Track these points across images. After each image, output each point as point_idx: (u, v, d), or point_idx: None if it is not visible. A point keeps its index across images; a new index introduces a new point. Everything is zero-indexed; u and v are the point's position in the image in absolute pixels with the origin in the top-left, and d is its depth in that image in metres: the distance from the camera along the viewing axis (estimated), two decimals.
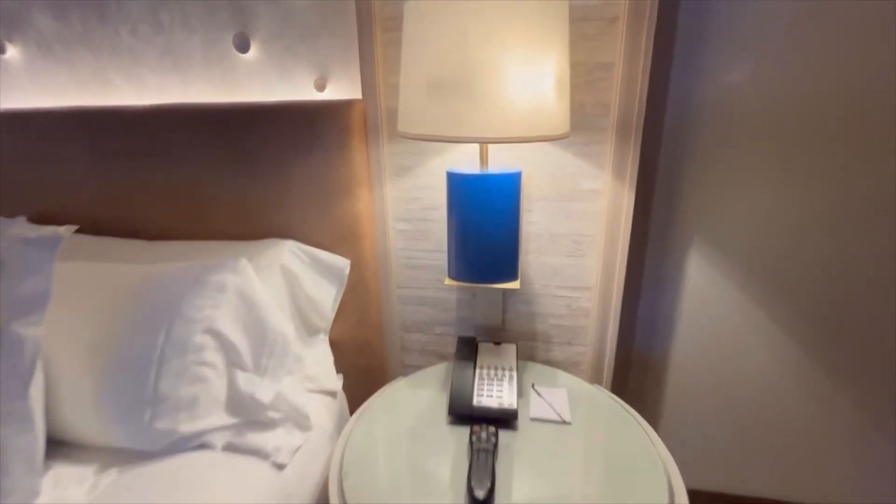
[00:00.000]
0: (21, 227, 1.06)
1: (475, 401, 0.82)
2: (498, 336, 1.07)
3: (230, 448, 0.76)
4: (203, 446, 0.75)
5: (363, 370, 1.09)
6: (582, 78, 0.86)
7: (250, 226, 1.01)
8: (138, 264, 0.82)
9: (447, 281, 0.85)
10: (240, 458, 0.74)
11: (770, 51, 0.90)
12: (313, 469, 0.82)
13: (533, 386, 0.92)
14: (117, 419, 0.72)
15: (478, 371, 0.88)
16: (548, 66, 0.65)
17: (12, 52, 1.10)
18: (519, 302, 1.04)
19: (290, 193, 0.97)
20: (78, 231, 1.07)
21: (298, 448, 0.80)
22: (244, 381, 0.79)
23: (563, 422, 0.82)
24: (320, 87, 0.98)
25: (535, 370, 0.98)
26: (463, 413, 0.81)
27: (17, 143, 1.07)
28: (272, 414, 0.80)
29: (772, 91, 0.93)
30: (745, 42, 0.91)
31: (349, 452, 0.76)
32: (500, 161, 0.95)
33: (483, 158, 0.80)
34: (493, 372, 0.88)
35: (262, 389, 0.79)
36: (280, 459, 0.76)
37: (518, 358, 1.02)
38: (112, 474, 0.71)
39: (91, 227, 1.08)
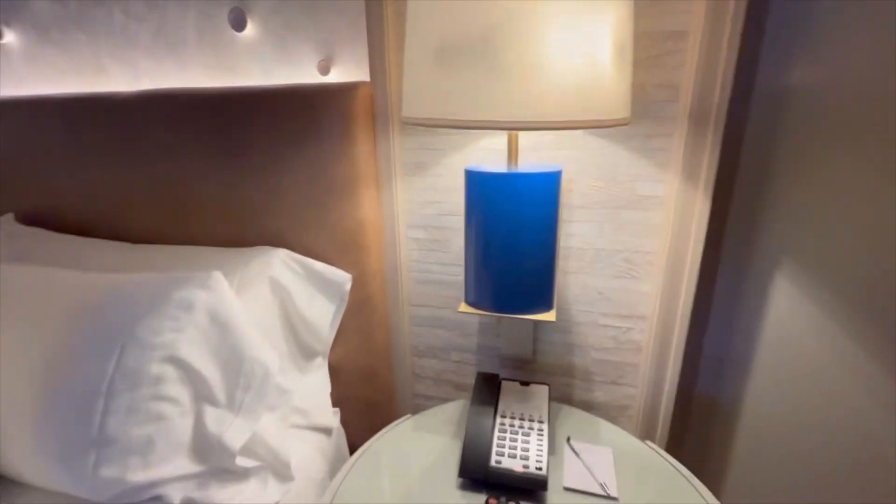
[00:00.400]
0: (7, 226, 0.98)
1: (493, 460, 0.65)
2: (527, 368, 0.89)
3: (190, 502, 0.62)
4: (157, 499, 0.62)
5: (367, 402, 0.93)
6: (644, 52, 0.67)
7: (239, 230, 0.88)
8: (97, 273, 0.70)
9: (462, 307, 0.68)
10: None
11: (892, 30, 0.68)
12: None
13: (569, 441, 0.73)
14: (58, 460, 0.59)
15: (499, 420, 0.71)
16: (604, 23, 0.47)
17: (10, 37, 1.03)
18: (554, 330, 0.85)
19: (284, 193, 0.83)
20: (62, 231, 0.98)
21: None
22: (213, 419, 0.65)
23: (608, 496, 0.63)
24: (325, 70, 0.84)
25: (572, 417, 0.79)
26: (477, 476, 0.64)
27: (8, 134, 0.99)
28: (243, 462, 0.65)
29: (890, 83, 0.70)
30: (861, 15, 0.69)
31: None
32: (534, 157, 0.77)
33: (512, 151, 0.63)
34: (518, 422, 0.70)
35: (234, 431, 0.65)
36: None
37: (551, 399, 0.84)
38: None
39: (77, 227, 0.98)
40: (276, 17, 0.83)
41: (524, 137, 0.76)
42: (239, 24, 0.85)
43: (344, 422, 0.91)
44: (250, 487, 0.65)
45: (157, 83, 0.95)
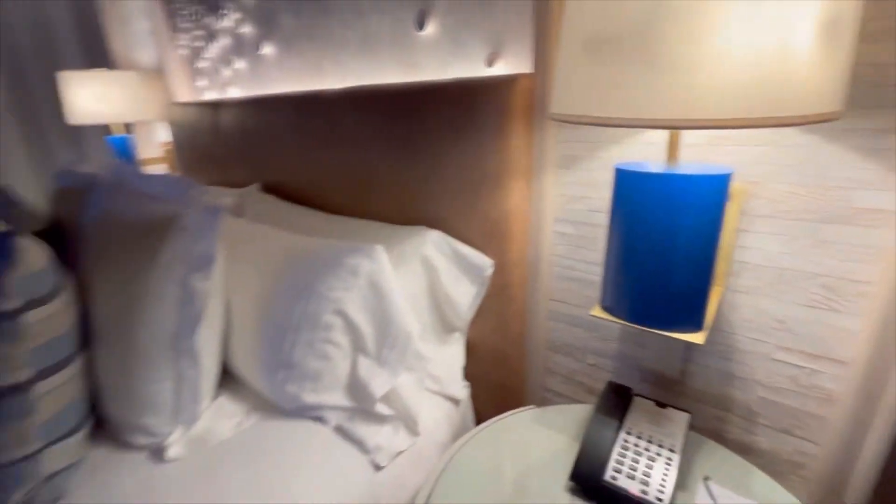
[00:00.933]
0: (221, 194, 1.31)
1: (608, 475, 0.62)
2: (671, 389, 0.80)
3: (340, 430, 0.76)
4: (320, 419, 0.78)
5: (497, 384, 0.98)
6: (876, 22, 0.51)
7: (405, 209, 0.99)
8: (300, 235, 0.89)
9: (595, 310, 0.65)
10: (345, 446, 0.74)
11: None
12: (412, 480, 0.76)
13: (706, 481, 0.64)
14: (263, 371, 0.80)
15: (622, 436, 0.66)
16: None
17: (267, 49, 1.35)
18: (711, 353, 0.74)
19: (443, 179, 0.91)
20: (286, 199, 1.26)
21: (400, 453, 0.75)
22: (365, 367, 0.78)
23: None
24: (491, 62, 0.87)
25: (716, 456, 0.69)
26: (588, 485, 0.62)
27: (262, 123, 1.32)
28: (382, 409, 0.77)
29: None
30: None
31: (442, 485, 0.67)
32: (713, 154, 0.67)
33: (672, 150, 0.56)
34: (644, 443, 0.65)
35: (378, 380, 0.77)
36: (378, 460, 0.72)
37: (690, 430, 0.74)
38: (254, 418, 0.79)
39: (295, 197, 1.26)
40: (453, 14, 0.90)
41: (696, 132, 0.66)
42: (421, 24, 0.94)
43: (473, 396, 0.97)
44: (385, 431, 0.76)
45: (359, 80, 1.13)
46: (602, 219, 0.80)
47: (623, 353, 0.85)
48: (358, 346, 0.79)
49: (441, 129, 0.88)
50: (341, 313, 0.77)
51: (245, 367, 0.83)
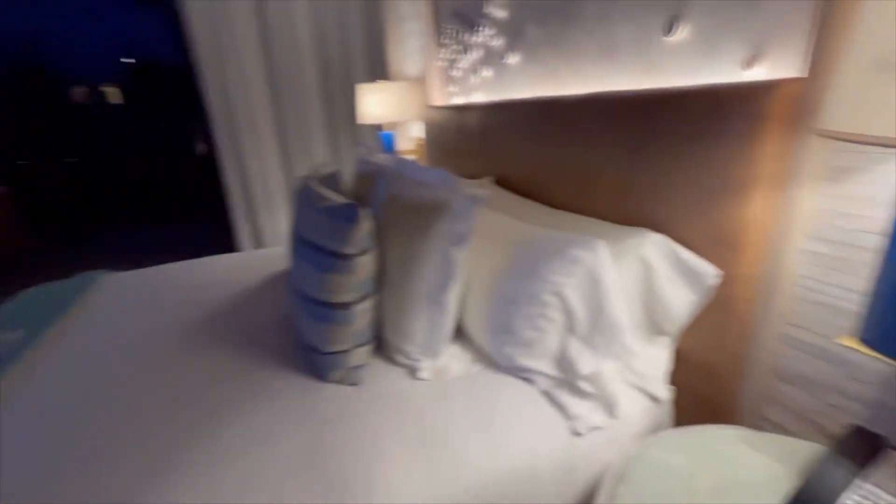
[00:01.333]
0: (470, 186, 1.53)
1: None
2: None
3: (546, 394, 0.89)
4: (529, 381, 0.92)
5: (704, 397, 0.95)
6: None
7: (628, 211, 1.04)
8: (529, 224, 1.03)
9: (846, 340, 0.59)
10: (548, 408, 0.86)
11: None
12: (604, 458, 0.83)
13: None
14: (487, 332, 0.98)
15: (858, 488, 0.59)
16: None
17: (511, 59, 1.54)
18: None
19: (671, 185, 0.92)
20: (515, 192, 1.44)
21: (597, 429, 0.83)
22: (574, 346, 0.88)
23: None
24: (748, 65, 0.83)
25: None
26: None
27: (502, 123, 1.53)
28: (585, 386, 0.86)
29: None
30: None
31: (634, 470, 0.72)
32: None
33: None
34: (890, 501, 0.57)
35: (585, 360, 0.86)
36: (577, 427, 0.82)
37: None
38: (477, 367, 0.99)
39: (524, 191, 1.42)
40: (711, 17, 0.89)
41: None
42: (670, 30, 0.96)
43: (675, 402, 0.97)
44: (584, 406, 0.85)
45: (594, 86, 1.20)
46: (872, 241, 0.70)
47: (881, 401, 0.73)
48: (570, 327, 0.89)
49: (677, 135, 0.89)
50: (559, 295, 0.88)
51: (473, 326, 1.03)
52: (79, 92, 6.48)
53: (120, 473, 0.75)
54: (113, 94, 6.64)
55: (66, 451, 0.80)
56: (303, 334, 1.00)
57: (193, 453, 0.77)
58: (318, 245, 0.92)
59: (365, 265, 0.92)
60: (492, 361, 0.99)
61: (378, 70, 2.67)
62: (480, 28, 1.66)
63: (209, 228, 4.34)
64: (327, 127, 2.84)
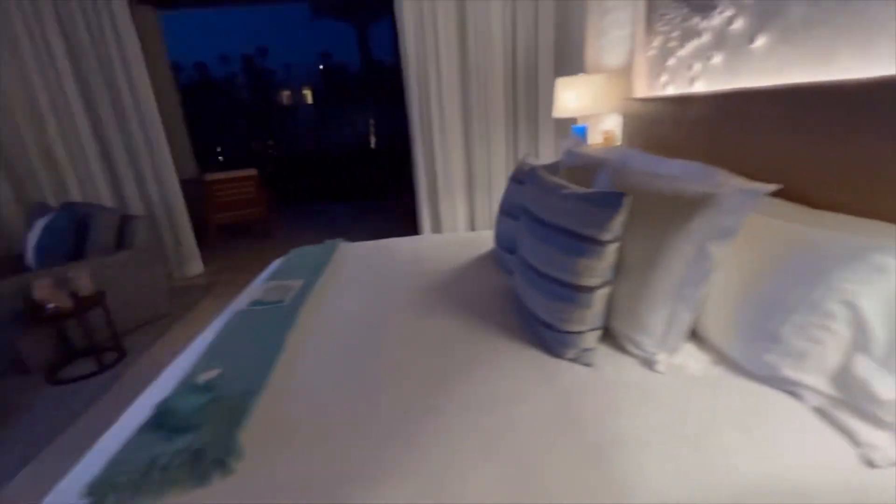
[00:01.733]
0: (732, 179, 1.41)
1: None
2: None
3: (820, 412, 0.79)
4: (793, 395, 0.83)
5: None
6: None
7: None
8: (797, 224, 0.92)
9: None
10: (823, 426, 0.77)
11: None
12: None
13: None
14: (736, 335, 0.91)
15: None
16: None
17: (759, 41, 1.38)
18: None
19: None
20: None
21: None
22: (863, 366, 0.77)
23: None
24: None
25: None
26: None
27: (729, 115, 1.38)
28: (884, 414, 0.74)
29: None
30: None
31: None
32: None
33: None
34: None
35: (883, 384, 0.74)
36: (873, 458, 0.71)
37: None
38: (718, 370, 0.93)
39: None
40: None
41: None
42: None
43: None
44: (881, 437, 0.73)
45: (886, 69, 1.00)
46: None
47: None
48: (859, 343, 0.78)
49: None
50: (849, 304, 0.77)
51: (714, 326, 0.97)
52: (284, 95, 8.86)
53: (396, 403, 0.90)
54: (307, 96, 9.18)
55: (356, 376, 1.00)
56: (534, 311, 1.07)
57: (449, 399, 0.89)
58: (568, 229, 0.96)
59: (614, 252, 0.94)
60: (735, 366, 0.92)
61: (567, 63, 2.66)
62: (715, 11, 1.53)
63: (391, 212, 4.91)
64: (510, 121, 2.95)
